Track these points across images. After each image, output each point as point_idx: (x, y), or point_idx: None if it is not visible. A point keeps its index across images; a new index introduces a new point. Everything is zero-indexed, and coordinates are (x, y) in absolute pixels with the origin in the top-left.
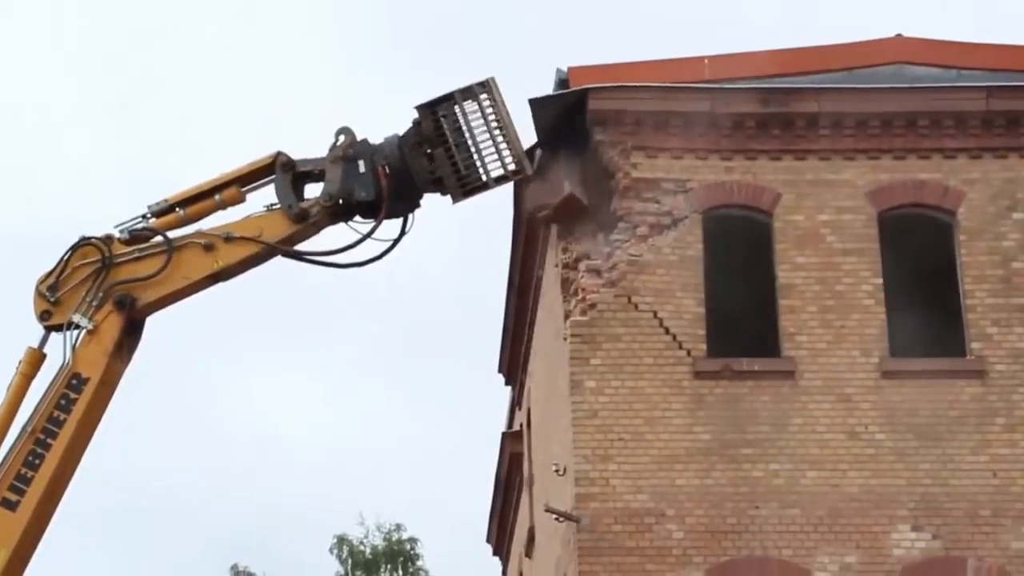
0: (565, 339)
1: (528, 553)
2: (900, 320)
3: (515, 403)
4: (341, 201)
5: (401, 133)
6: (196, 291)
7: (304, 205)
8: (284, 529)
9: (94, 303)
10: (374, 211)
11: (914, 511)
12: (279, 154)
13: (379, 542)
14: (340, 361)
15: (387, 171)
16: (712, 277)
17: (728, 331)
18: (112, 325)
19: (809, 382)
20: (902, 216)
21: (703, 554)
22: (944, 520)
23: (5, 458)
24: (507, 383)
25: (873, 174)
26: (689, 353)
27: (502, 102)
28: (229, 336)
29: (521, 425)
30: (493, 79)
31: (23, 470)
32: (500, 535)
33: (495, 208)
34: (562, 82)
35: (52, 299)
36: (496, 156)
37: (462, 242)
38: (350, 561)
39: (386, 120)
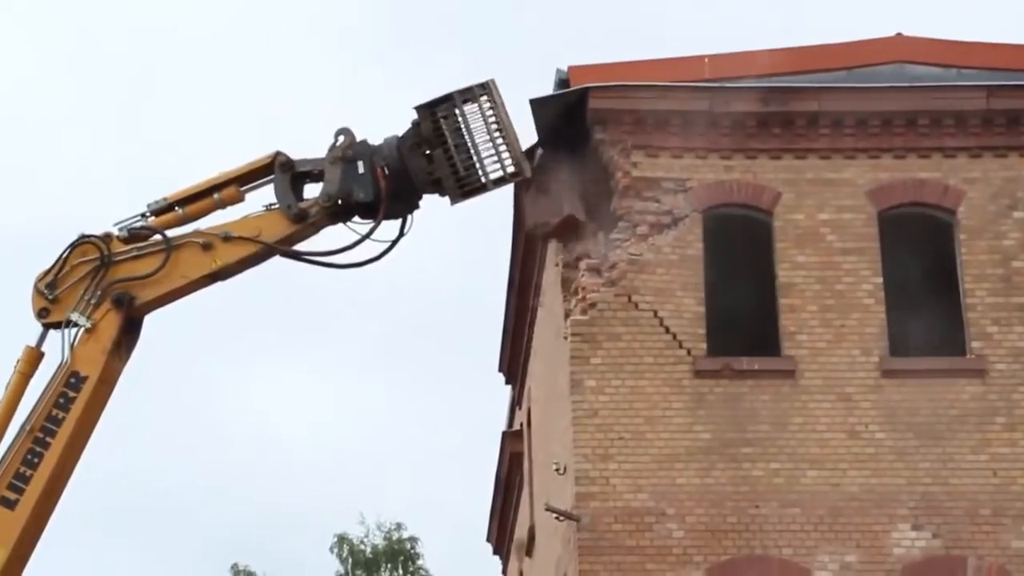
0: (565, 338)
1: (528, 552)
2: (900, 319)
3: (515, 402)
4: (340, 202)
5: (400, 134)
6: (194, 290)
7: (303, 205)
8: (284, 529)
9: (92, 301)
10: (373, 212)
11: (914, 510)
12: (278, 154)
13: (379, 541)
14: (340, 361)
15: (386, 172)
16: (712, 276)
17: (728, 330)
18: (111, 323)
19: (809, 381)
20: (902, 215)
21: (703, 553)
22: (944, 519)
23: (4, 457)
24: (507, 383)
25: (873, 173)
26: (689, 352)
27: (502, 104)
28: (228, 335)
29: (521, 424)
30: (493, 81)
31: (22, 469)
32: (500, 534)
33: (495, 208)
34: (562, 82)
35: (50, 297)
36: (495, 158)
37: (462, 242)
38: (350, 560)
39: (386, 120)
